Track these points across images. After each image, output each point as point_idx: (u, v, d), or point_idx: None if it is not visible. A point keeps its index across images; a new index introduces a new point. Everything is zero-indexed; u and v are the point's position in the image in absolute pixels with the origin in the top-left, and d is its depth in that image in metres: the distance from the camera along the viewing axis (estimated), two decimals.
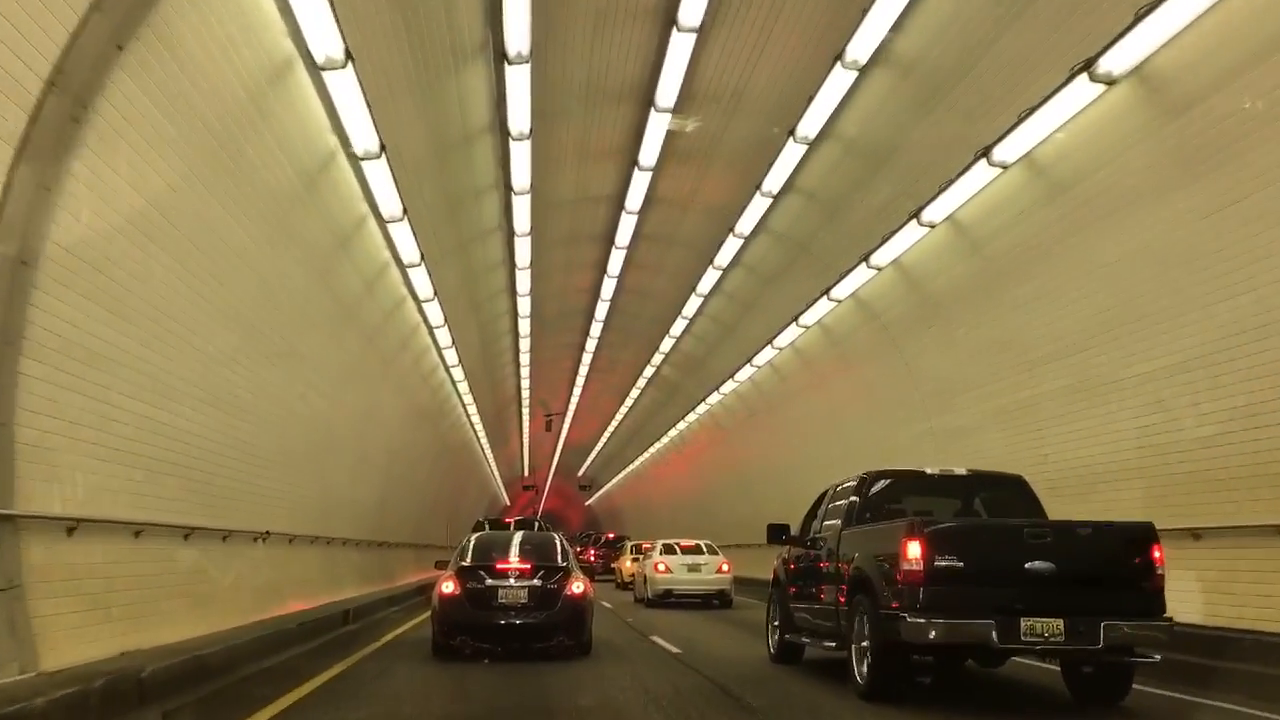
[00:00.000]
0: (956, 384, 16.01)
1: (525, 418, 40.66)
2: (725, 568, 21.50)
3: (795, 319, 19.84)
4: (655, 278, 23.67)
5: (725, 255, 19.68)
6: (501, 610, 10.88)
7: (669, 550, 21.98)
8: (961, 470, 10.02)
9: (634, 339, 28.97)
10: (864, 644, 8.47)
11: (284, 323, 12.54)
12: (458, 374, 23.64)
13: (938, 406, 16.88)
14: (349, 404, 16.92)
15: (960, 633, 7.74)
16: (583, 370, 33.44)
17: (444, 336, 20.28)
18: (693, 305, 23.54)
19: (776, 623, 11.29)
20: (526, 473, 64.58)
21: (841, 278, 17.11)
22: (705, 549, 22.10)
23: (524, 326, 25.44)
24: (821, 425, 22.86)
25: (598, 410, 43.86)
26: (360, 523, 19.31)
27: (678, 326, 25.62)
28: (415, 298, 17.57)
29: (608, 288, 23.81)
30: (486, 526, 24.23)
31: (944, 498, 9.99)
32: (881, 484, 9.83)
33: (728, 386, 26.79)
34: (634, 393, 35.91)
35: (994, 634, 7.65)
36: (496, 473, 49.87)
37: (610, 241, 20.66)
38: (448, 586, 11.09)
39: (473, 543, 12.15)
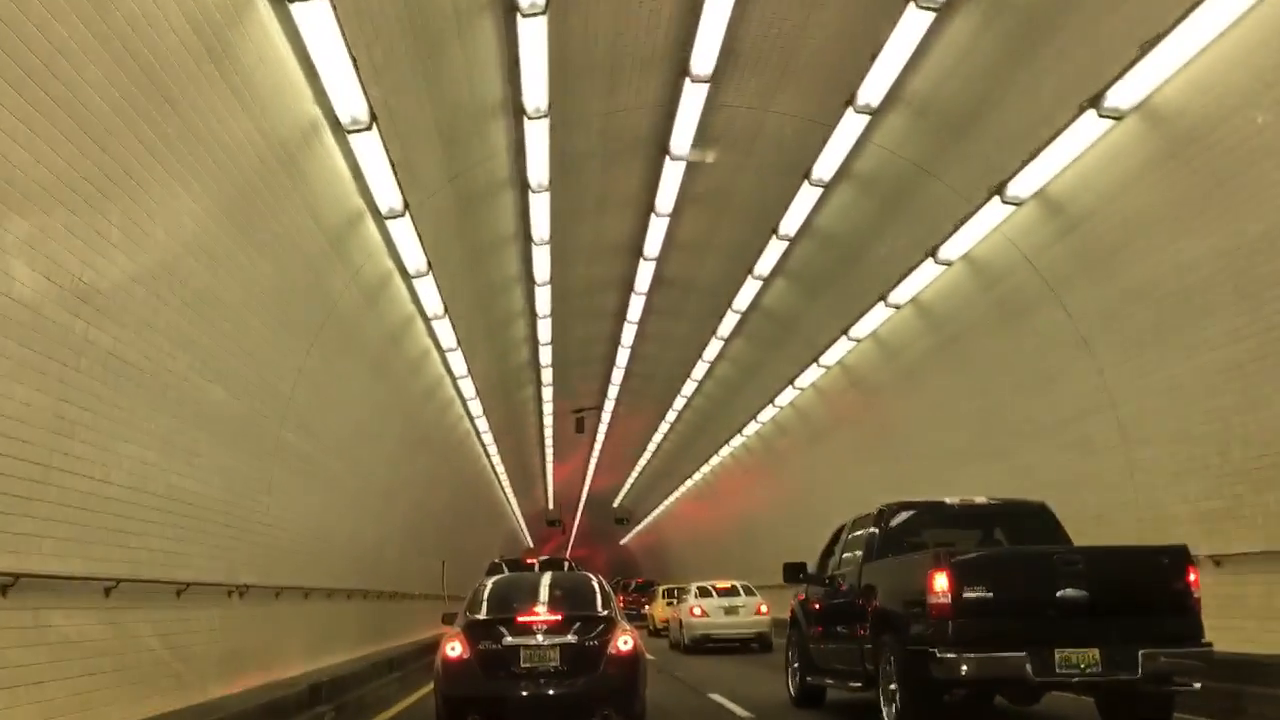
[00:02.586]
0: None
1: (547, 422, 34.28)
2: (764, 609, 22.33)
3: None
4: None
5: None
6: (526, 678, 9.23)
7: (704, 593, 23.03)
8: (982, 499, 10.51)
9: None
10: (891, 685, 8.65)
11: None
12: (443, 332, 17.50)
13: None
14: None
15: (993, 667, 7.92)
16: (623, 353, 27.16)
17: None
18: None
19: (796, 664, 11.79)
20: (550, 504, 58.67)
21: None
22: (742, 590, 23.02)
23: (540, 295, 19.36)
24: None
25: (634, 428, 37.88)
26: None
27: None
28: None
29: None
30: (505, 568, 21.79)
31: (965, 529, 10.47)
32: (901, 516, 10.20)
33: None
34: (678, 403, 32.36)
35: (1028, 666, 7.82)
36: (514, 503, 43.78)
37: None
38: (453, 648, 9.44)
39: (488, 589, 10.69)
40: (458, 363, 20.11)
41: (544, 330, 22.88)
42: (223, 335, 10.22)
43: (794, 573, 11.76)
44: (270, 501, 12.87)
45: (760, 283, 19.90)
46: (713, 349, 25.20)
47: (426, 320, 17.16)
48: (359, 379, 16.05)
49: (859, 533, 10.64)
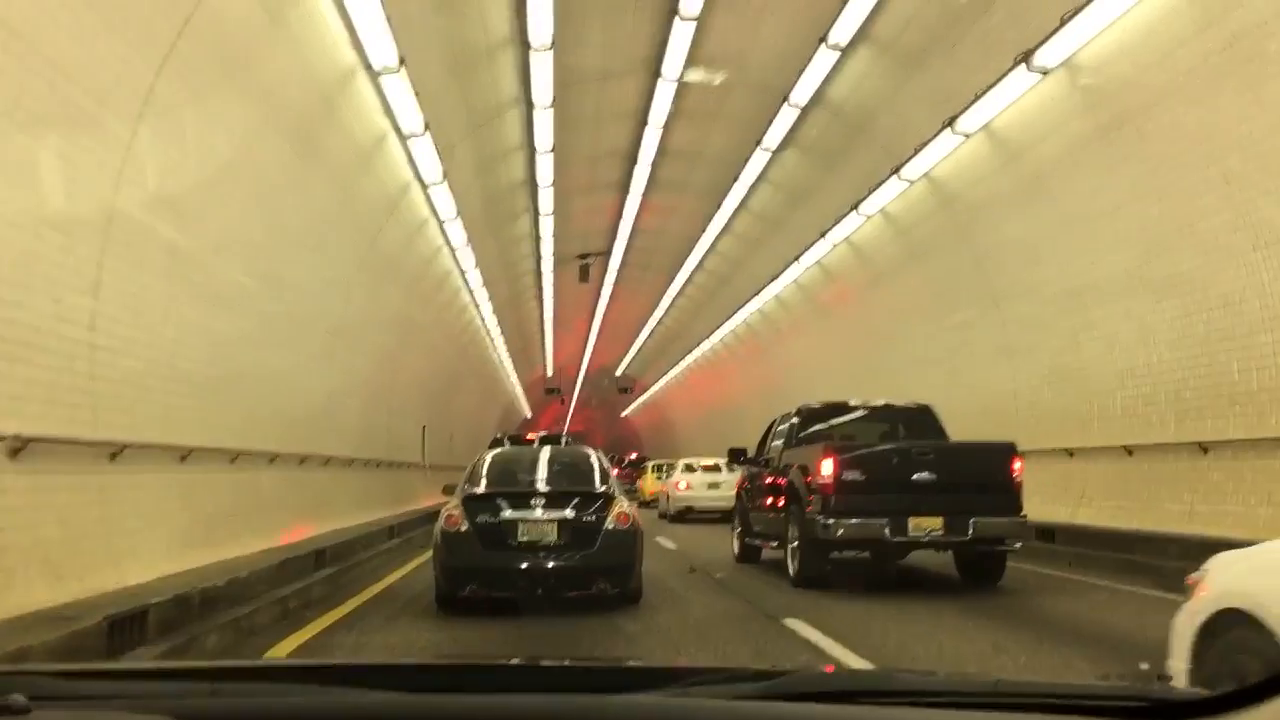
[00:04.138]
0: None
1: (546, 268, 29.26)
2: None
3: None
4: None
5: None
6: (524, 551, 9.27)
7: (690, 469, 25.32)
8: (879, 401, 13.02)
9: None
10: (794, 545, 11.06)
11: None
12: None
13: None
14: None
15: (861, 530, 10.30)
16: (639, 173, 21.94)
17: None
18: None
19: (739, 529, 14.16)
20: (550, 371, 54.18)
21: None
22: (724, 467, 23.72)
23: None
24: None
25: (646, 281, 32.85)
26: None
27: None
28: None
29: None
30: (507, 443, 23.04)
31: (865, 423, 12.78)
32: (814, 413, 12.66)
33: None
34: (702, 245, 27.16)
35: (887, 530, 10.19)
36: (509, 365, 39.16)
37: None
38: (451, 520, 9.41)
39: (486, 462, 10.64)
40: (428, 161, 15.02)
41: (542, 129, 17.65)
42: None
43: (736, 456, 14.46)
44: (100, 308, 7.99)
45: (836, 54, 14.66)
46: (756, 164, 20.02)
47: (373, 76, 12.00)
48: (270, 146, 11.01)
49: (783, 426, 12.86)
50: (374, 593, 11.03)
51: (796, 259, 23.42)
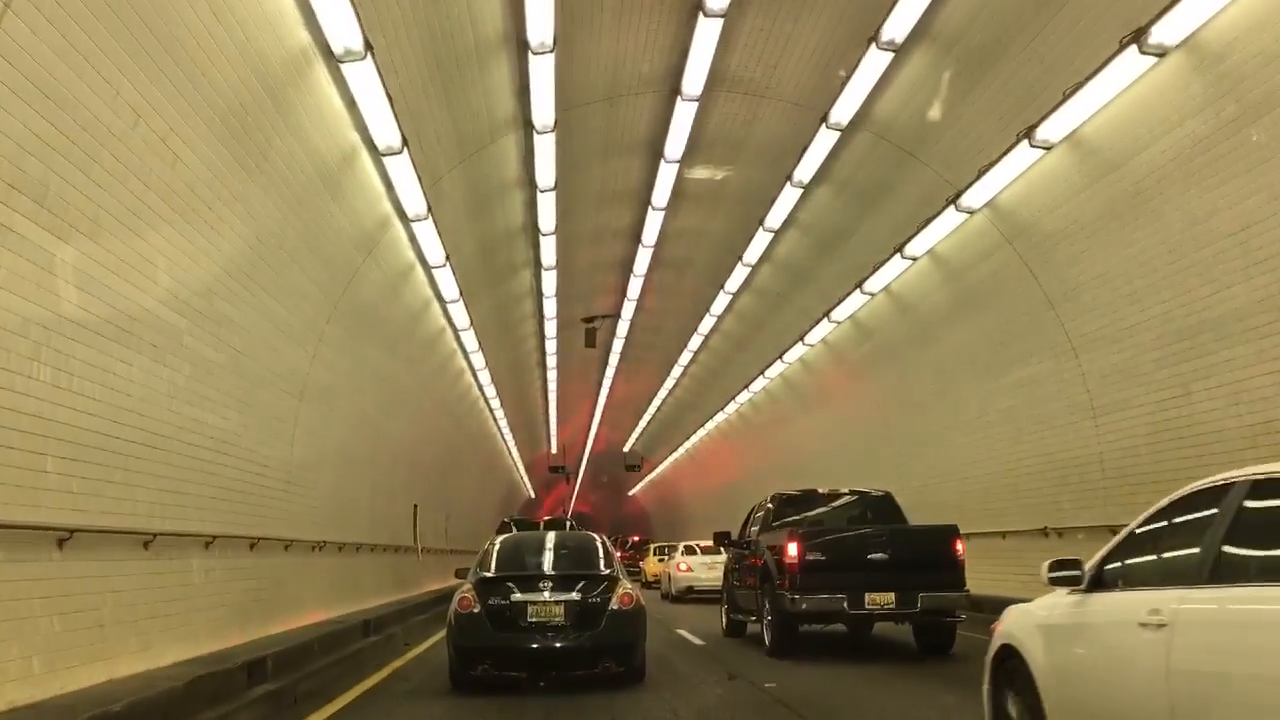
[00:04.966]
0: None
1: (550, 332, 26.90)
2: None
3: None
4: None
5: None
6: (533, 631, 9.73)
7: (690, 551, 26.23)
8: (845, 490, 14.51)
9: None
10: (769, 617, 12.28)
11: None
12: None
13: None
14: None
15: (823, 604, 11.48)
16: (652, 219, 19.68)
17: None
18: None
19: (726, 606, 15.33)
20: (554, 448, 51.64)
21: None
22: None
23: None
24: None
25: (659, 344, 30.54)
26: None
27: None
28: None
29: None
30: (514, 527, 24.22)
31: (834, 508, 14.11)
32: (787, 499, 14.09)
33: None
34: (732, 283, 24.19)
35: (845, 604, 11.39)
36: (510, 441, 36.69)
37: None
38: (464, 602, 9.87)
39: (496, 547, 11.08)
40: (409, 188, 12.75)
41: (544, 160, 15.38)
42: None
43: (721, 538, 16.11)
44: None
45: (889, 55, 12.40)
46: (784, 205, 17.76)
47: (334, 63, 9.74)
48: (197, 142, 8.64)
49: (760, 512, 14.35)
50: (329, 713, 8.46)
51: (826, 315, 21.07)
